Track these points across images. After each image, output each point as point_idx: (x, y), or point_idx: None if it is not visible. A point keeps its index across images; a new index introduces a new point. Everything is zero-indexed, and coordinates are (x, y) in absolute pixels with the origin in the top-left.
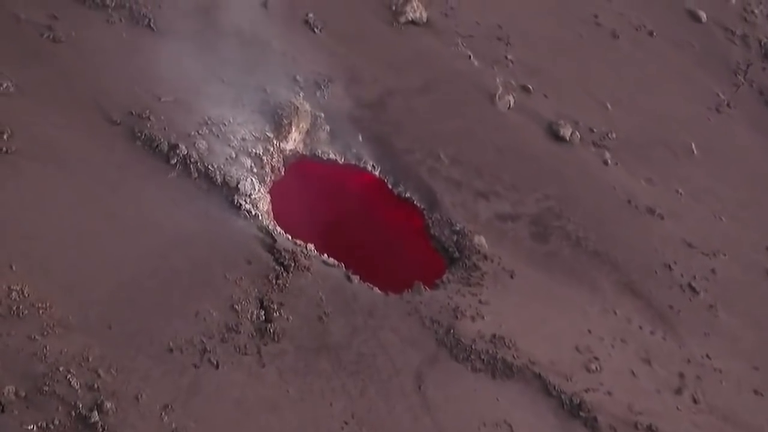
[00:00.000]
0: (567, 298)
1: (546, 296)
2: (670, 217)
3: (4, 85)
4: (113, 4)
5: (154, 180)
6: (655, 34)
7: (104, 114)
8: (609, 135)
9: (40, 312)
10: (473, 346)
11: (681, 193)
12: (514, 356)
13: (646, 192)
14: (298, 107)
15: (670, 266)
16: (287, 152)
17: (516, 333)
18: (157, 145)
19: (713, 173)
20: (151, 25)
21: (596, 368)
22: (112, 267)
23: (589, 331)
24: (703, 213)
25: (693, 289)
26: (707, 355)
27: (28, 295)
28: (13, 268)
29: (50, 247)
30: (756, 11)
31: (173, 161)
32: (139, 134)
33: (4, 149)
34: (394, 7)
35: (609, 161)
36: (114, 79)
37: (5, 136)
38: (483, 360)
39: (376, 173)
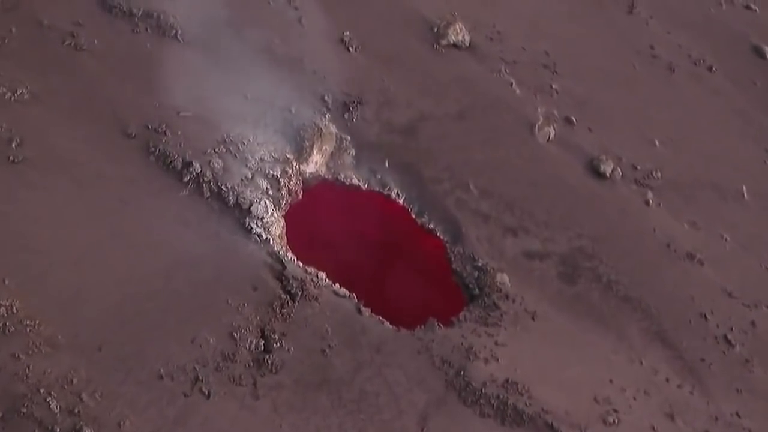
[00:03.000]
0: (590, 345)
1: (568, 341)
2: (711, 264)
3: (19, 92)
4: (140, 13)
5: (165, 198)
6: (714, 69)
7: (120, 126)
8: (653, 173)
9: (28, 330)
10: (483, 390)
11: (726, 239)
12: (526, 403)
13: (688, 236)
14: (321, 129)
15: (705, 316)
16: (307, 175)
17: (531, 379)
18: (171, 162)
19: (763, 219)
20: (178, 36)
21: (614, 421)
22: (110, 286)
23: (611, 381)
24: (747, 261)
25: (728, 341)
26: (737, 414)
27: (17, 312)
28: (6, 282)
29: (49, 262)
30: None
31: (186, 179)
32: (153, 149)
33: (12, 158)
34: (436, 29)
35: (651, 201)
36: (133, 90)
37: (14, 144)
38: (493, 405)
39: (400, 201)
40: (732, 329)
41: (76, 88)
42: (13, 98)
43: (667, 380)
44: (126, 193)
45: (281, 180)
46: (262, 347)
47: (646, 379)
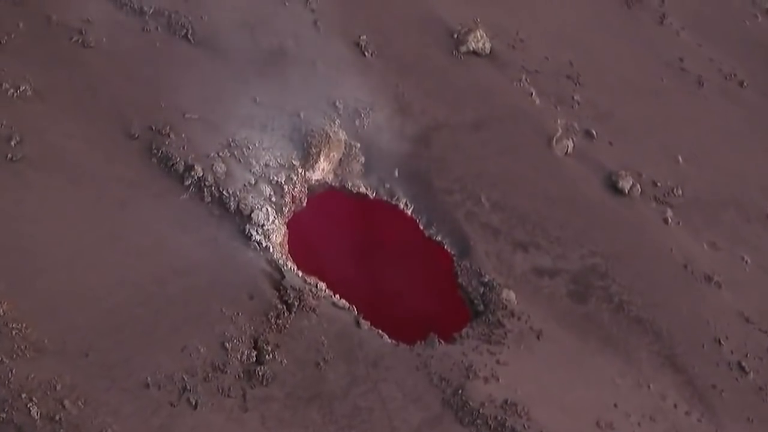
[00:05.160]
0: (597, 367)
1: (573, 362)
2: (729, 287)
3: (22, 88)
4: (151, 11)
5: (164, 201)
6: (746, 84)
7: (123, 127)
8: (674, 191)
9: (14, 332)
10: (481, 410)
11: (747, 261)
12: (524, 426)
13: (706, 257)
14: (330, 135)
15: (720, 341)
16: (313, 182)
17: (531, 400)
18: (173, 164)
19: None
20: (189, 36)
21: None
22: (103, 291)
23: (616, 405)
24: None
25: (742, 368)
26: None
27: (4, 314)
28: None
29: (42, 264)
30: None
31: (187, 183)
32: (155, 151)
33: (10, 156)
34: (456, 35)
35: (670, 220)
36: (139, 90)
37: (13, 142)
38: (490, 426)
39: (409, 212)
40: (747, 356)
41: (80, 86)
42: (15, 95)
43: (675, 406)
44: (124, 195)
45: (285, 186)
46: (254, 358)
47: (653, 404)
